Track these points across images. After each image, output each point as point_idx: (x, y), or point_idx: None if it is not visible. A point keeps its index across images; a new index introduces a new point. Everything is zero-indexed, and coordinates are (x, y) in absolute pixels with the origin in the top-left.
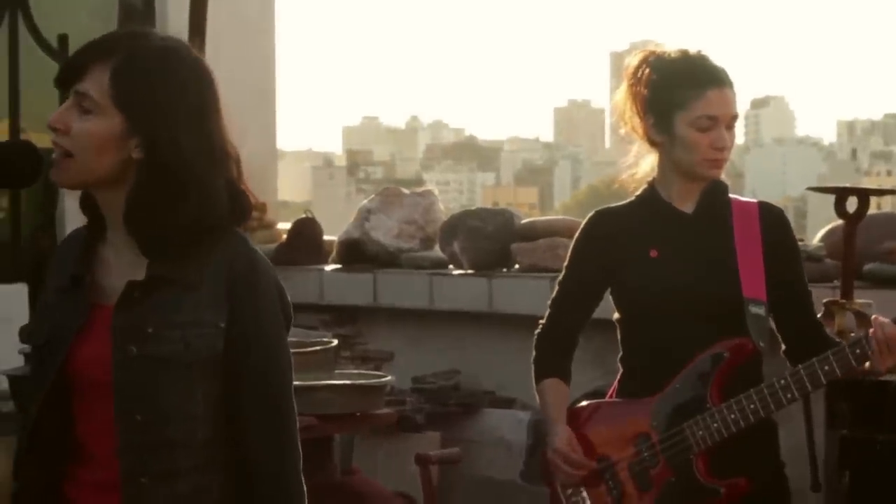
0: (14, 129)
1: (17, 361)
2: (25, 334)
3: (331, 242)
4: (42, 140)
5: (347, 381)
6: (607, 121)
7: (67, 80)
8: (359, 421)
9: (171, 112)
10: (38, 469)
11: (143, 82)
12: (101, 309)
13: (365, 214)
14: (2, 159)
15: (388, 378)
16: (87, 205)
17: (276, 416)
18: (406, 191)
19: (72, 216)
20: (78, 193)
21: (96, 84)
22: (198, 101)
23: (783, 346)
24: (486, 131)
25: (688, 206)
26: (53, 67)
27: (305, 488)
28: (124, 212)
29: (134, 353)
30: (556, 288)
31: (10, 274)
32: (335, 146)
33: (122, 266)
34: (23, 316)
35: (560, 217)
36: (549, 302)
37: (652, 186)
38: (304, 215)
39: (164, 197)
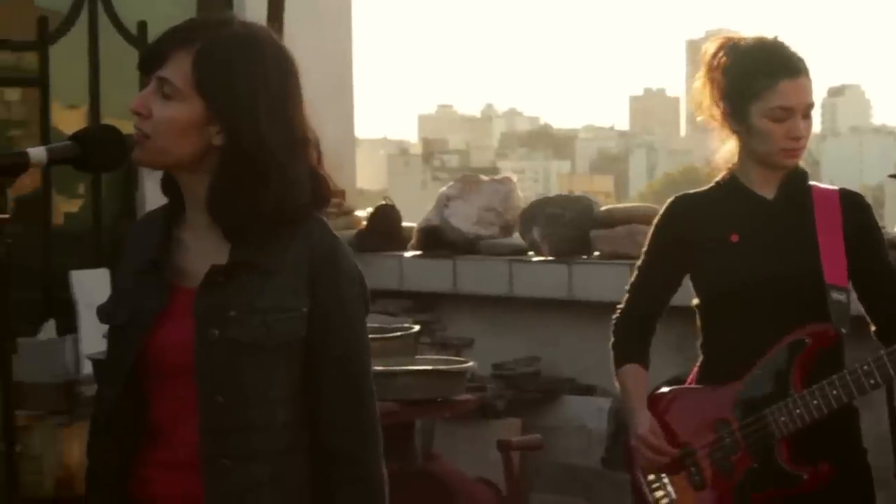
0: (94, 115)
1: (101, 345)
2: (104, 314)
3: (409, 229)
4: (121, 127)
5: (429, 367)
6: (683, 109)
7: (149, 65)
8: (440, 406)
9: (253, 99)
10: (112, 449)
11: (224, 69)
12: (181, 291)
13: (444, 201)
14: (88, 143)
15: (470, 364)
16: (169, 186)
17: (356, 400)
18: (485, 178)
19: (151, 202)
20: (158, 180)
21: (178, 70)
22: (279, 88)
23: (873, 328)
24: (561, 119)
25: (768, 193)
26: (132, 54)
27: (386, 473)
28: (207, 199)
29: (216, 336)
30: (635, 273)
31: (92, 259)
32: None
33: (202, 249)
34: (104, 301)
35: (639, 204)
36: (627, 288)
37: (732, 173)
38: (382, 202)
39: (246, 184)
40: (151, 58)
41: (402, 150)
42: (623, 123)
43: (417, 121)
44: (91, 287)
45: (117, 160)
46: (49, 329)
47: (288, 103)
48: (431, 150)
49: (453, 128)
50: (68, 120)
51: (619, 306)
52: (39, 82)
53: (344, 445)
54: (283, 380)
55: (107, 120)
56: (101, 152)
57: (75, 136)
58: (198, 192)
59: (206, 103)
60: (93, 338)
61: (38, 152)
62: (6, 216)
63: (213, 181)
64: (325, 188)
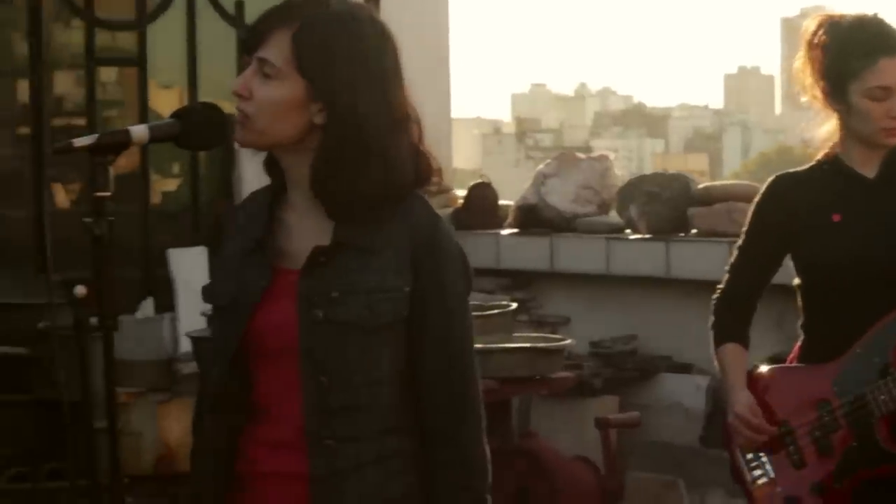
0: (192, 94)
1: (199, 323)
2: (208, 294)
3: (505, 207)
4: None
5: (528, 344)
6: (777, 87)
7: (250, 46)
8: (537, 384)
9: (353, 77)
10: (218, 428)
11: (324, 48)
12: (284, 272)
13: (541, 179)
14: (189, 122)
15: (568, 341)
16: (272, 166)
17: (459, 380)
18: (582, 156)
19: (249, 182)
20: (254, 160)
21: (278, 50)
22: (379, 66)
23: None
24: (654, 98)
25: (869, 172)
26: (229, 34)
27: (489, 452)
28: (310, 178)
29: (320, 317)
30: (735, 253)
31: (189, 238)
32: (504, 113)
33: (304, 230)
34: (202, 279)
35: (737, 182)
36: (727, 267)
37: (833, 152)
38: (479, 180)
39: (349, 162)
40: (251, 38)
41: (496, 129)
42: (717, 102)
43: (511, 100)
44: (188, 265)
45: (218, 138)
46: (147, 307)
47: (388, 81)
48: (525, 129)
49: (547, 107)
50: (164, 100)
51: (718, 286)
52: (137, 62)
53: (446, 425)
54: (386, 360)
55: (203, 100)
56: (203, 130)
57: (177, 114)
58: (300, 173)
59: (307, 82)
60: (190, 316)
61: (139, 130)
62: (108, 193)
63: (315, 160)
64: (426, 166)
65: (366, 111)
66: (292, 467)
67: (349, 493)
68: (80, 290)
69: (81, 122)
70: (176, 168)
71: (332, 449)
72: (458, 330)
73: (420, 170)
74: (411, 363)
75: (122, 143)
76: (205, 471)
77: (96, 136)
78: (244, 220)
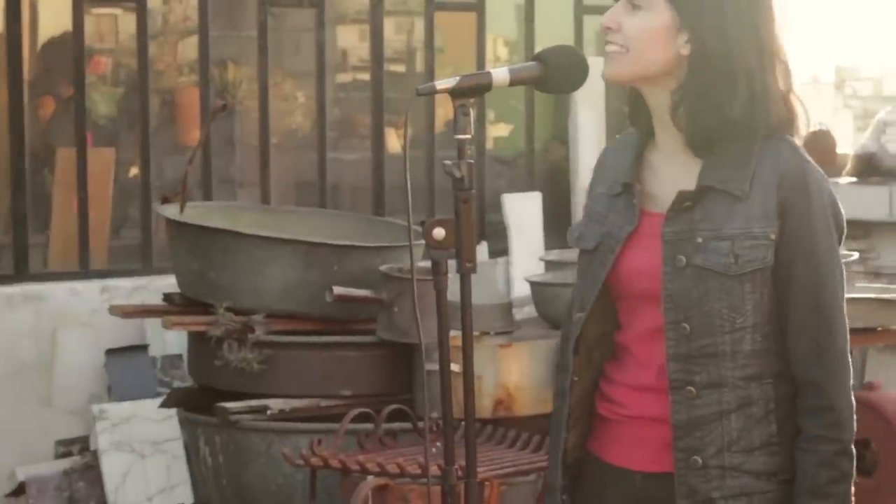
0: (529, 42)
1: (532, 268)
2: (574, 238)
3: (843, 156)
4: None
5: (871, 295)
6: None
7: None
8: (879, 336)
9: (720, 6)
10: (581, 368)
11: None
12: (649, 216)
13: (881, 127)
14: (550, 64)
15: None
16: (637, 111)
17: (825, 330)
18: None
19: (583, 126)
20: (588, 104)
21: None
22: None
23: None
24: None
25: None
26: None
27: (854, 402)
28: (671, 106)
29: (683, 263)
30: None
31: (524, 183)
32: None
33: (670, 173)
34: (536, 224)
35: None
36: None
37: None
38: (817, 127)
39: (714, 91)
40: None
41: (814, 77)
42: None
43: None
44: (522, 211)
45: (577, 81)
46: (481, 251)
47: (758, 14)
48: (843, 77)
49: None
50: (498, 47)
51: None
52: (476, 8)
53: (811, 375)
54: (750, 307)
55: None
56: (564, 73)
57: (538, 57)
58: (665, 111)
59: (674, 10)
60: (524, 261)
61: (500, 73)
62: (468, 136)
63: (680, 89)
64: (792, 111)
65: (732, 39)
66: (654, 411)
67: (711, 440)
68: (438, 232)
69: (404, 67)
70: (511, 114)
71: (695, 396)
72: (826, 280)
73: (787, 113)
74: (778, 311)
75: (483, 85)
76: (566, 410)
77: (457, 78)
78: (613, 161)
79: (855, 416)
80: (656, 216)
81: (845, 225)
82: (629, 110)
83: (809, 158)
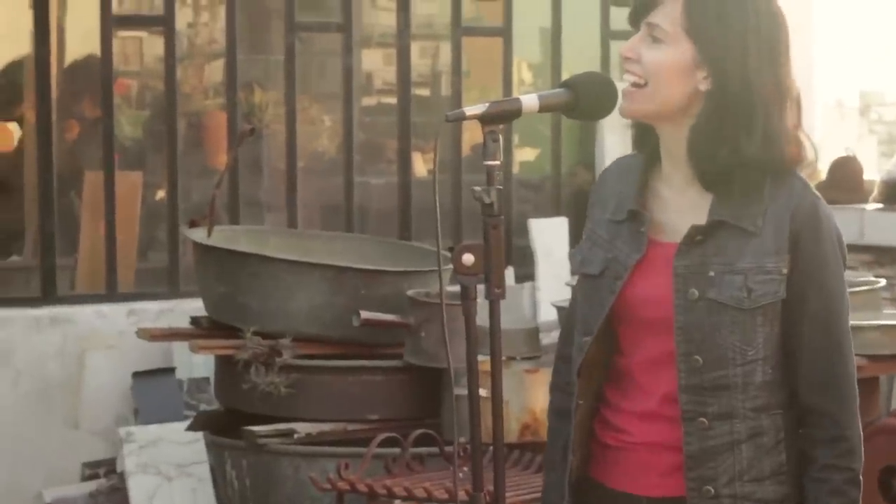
0: (556, 66)
1: (560, 293)
2: (577, 262)
3: (870, 182)
4: None
5: None
6: None
7: (639, 12)
8: None
9: (742, 43)
10: (581, 391)
11: (715, 12)
12: (657, 245)
13: None
14: (580, 91)
15: None
16: (644, 141)
17: (836, 360)
18: None
19: (609, 151)
20: (615, 129)
21: (668, 15)
22: (769, 35)
23: None
24: None
25: None
26: (593, 4)
27: (861, 431)
28: (688, 143)
29: (696, 296)
30: None
31: (550, 208)
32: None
33: (679, 205)
34: (563, 249)
35: None
36: None
37: None
38: (843, 153)
39: (731, 129)
40: (642, 5)
41: (839, 102)
42: None
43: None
44: (549, 235)
45: (606, 108)
46: (507, 276)
47: (777, 51)
48: (868, 103)
49: (890, 80)
50: (523, 71)
51: None
52: (502, 32)
53: (822, 404)
54: (761, 339)
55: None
56: (592, 100)
57: (567, 83)
58: (678, 145)
59: (696, 47)
60: (550, 286)
61: (530, 99)
62: (497, 162)
63: (696, 125)
64: (800, 148)
65: (753, 78)
66: (660, 437)
67: (724, 470)
68: (467, 257)
69: (430, 91)
70: (537, 138)
71: (707, 426)
72: (835, 311)
73: (797, 149)
74: (786, 342)
75: (512, 111)
76: (562, 431)
77: (486, 104)
78: (613, 186)
79: (862, 446)
80: (664, 245)
81: (847, 256)
82: (635, 136)
83: (818, 194)
